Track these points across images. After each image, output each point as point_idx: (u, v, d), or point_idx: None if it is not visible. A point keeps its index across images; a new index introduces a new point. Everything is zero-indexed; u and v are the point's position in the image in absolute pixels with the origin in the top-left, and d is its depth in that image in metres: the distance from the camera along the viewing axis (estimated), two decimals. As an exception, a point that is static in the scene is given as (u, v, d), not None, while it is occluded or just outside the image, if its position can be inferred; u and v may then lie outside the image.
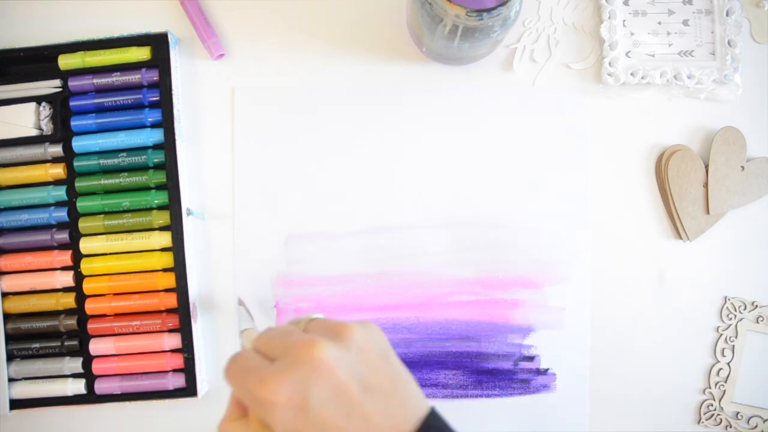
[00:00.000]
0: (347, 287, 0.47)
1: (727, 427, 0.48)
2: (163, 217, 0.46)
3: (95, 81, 0.46)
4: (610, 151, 0.48)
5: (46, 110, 0.46)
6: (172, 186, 0.46)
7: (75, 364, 0.46)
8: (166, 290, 0.46)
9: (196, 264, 0.47)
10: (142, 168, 0.46)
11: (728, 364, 0.48)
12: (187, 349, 0.45)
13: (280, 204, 0.48)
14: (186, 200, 0.46)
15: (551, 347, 0.47)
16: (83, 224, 0.46)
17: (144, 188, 0.46)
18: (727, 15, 0.48)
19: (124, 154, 0.46)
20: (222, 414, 0.45)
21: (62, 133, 0.46)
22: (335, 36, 0.48)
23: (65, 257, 0.46)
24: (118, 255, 0.46)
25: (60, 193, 0.46)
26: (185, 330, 0.45)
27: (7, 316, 0.46)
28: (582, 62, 0.48)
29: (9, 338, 0.46)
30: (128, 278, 0.46)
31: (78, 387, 0.45)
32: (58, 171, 0.46)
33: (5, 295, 0.46)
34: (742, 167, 0.48)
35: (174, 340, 0.46)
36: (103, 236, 0.46)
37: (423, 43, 0.46)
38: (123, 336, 0.46)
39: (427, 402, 0.28)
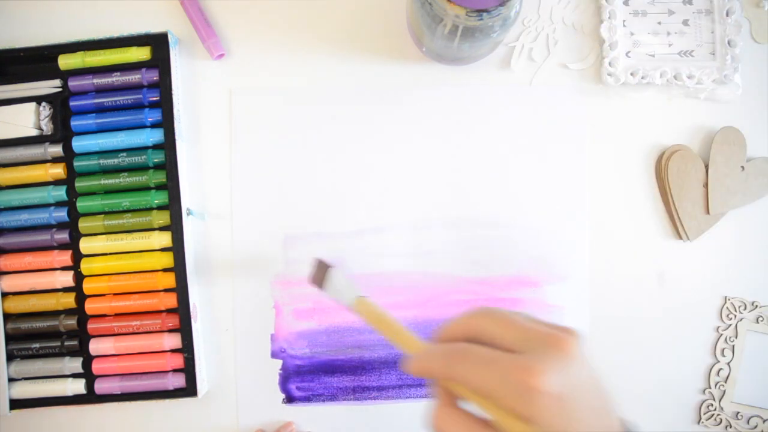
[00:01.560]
0: (347, 287, 0.47)
1: (727, 427, 0.48)
2: (163, 217, 0.46)
3: (95, 81, 0.46)
4: (610, 151, 0.48)
5: (46, 110, 0.46)
6: (172, 186, 0.46)
7: (75, 364, 0.46)
8: (166, 290, 0.46)
9: (196, 264, 0.47)
10: (142, 168, 0.46)
11: (728, 364, 0.48)
12: (187, 349, 0.45)
13: (278, 204, 0.48)
14: (186, 200, 0.46)
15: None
16: (83, 224, 0.46)
17: (144, 188, 0.46)
18: (727, 15, 0.48)
19: (124, 154, 0.46)
20: (223, 412, 0.45)
21: (62, 133, 0.46)
22: (335, 36, 0.48)
23: (65, 257, 0.46)
24: (118, 255, 0.46)
25: (60, 193, 0.46)
26: (185, 330, 0.45)
27: (7, 316, 0.46)
28: (581, 62, 0.48)
29: (9, 338, 0.46)
30: (128, 278, 0.46)
31: (78, 387, 0.45)
32: (58, 171, 0.46)
33: (5, 295, 0.46)
34: (742, 167, 0.48)
35: (174, 340, 0.46)
36: (103, 236, 0.46)
37: (423, 43, 0.46)
38: (123, 336, 0.46)
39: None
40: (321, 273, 0.37)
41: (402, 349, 0.31)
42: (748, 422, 0.48)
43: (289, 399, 0.47)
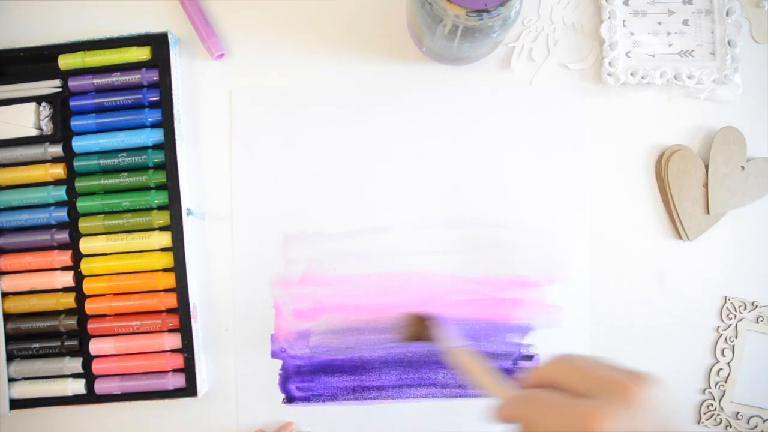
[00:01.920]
0: (346, 287, 0.47)
1: (727, 427, 0.48)
2: (163, 217, 0.46)
3: (95, 81, 0.46)
4: (610, 151, 0.48)
5: (46, 110, 0.46)
6: (172, 186, 0.46)
7: (75, 364, 0.46)
8: (166, 290, 0.46)
9: (196, 264, 0.47)
10: (142, 168, 0.46)
11: (728, 364, 0.48)
12: (187, 349, 0.45)
13: (278, 204, 0.48)
14: (186, 200, 0.46)
15: (550, 346, 0.47)
16: (83, 224, 0.46)
17: (144, 188, 0.46)
18: (727, 15, 0.48)
19: (124, 154, 0.46)
20: (223, 412, 0.45)
21: (62, 133, 0.46)
22: (335, 36, 0.48)
23: (65, 257, 0.46)
24: (118, 255, 0.46)
25: (60, 193, 0.46)
26: (185, 330, 0.45)
27: (7, 316, 0.46)
28: (581, 62, 0.48)
29: (9, 338, 0.46)
30: (128, 278, 0.46)
31: (78, 387, 0.45)
32: (58, 171, 0.46)
33: (5, 295, 0.46)
34: (742, 167, 0.48)
35: (174, 340, 0.46)
36: (103, 236, 0.46)
37: (423, 43, 0.46)
38: (123, 336, 0.46)
39: None
40: (420, 326, 0.42)
41: (492, 395, 0.32)
42: (748, 422, 0.48)
43: (289, 399, 0.47)
